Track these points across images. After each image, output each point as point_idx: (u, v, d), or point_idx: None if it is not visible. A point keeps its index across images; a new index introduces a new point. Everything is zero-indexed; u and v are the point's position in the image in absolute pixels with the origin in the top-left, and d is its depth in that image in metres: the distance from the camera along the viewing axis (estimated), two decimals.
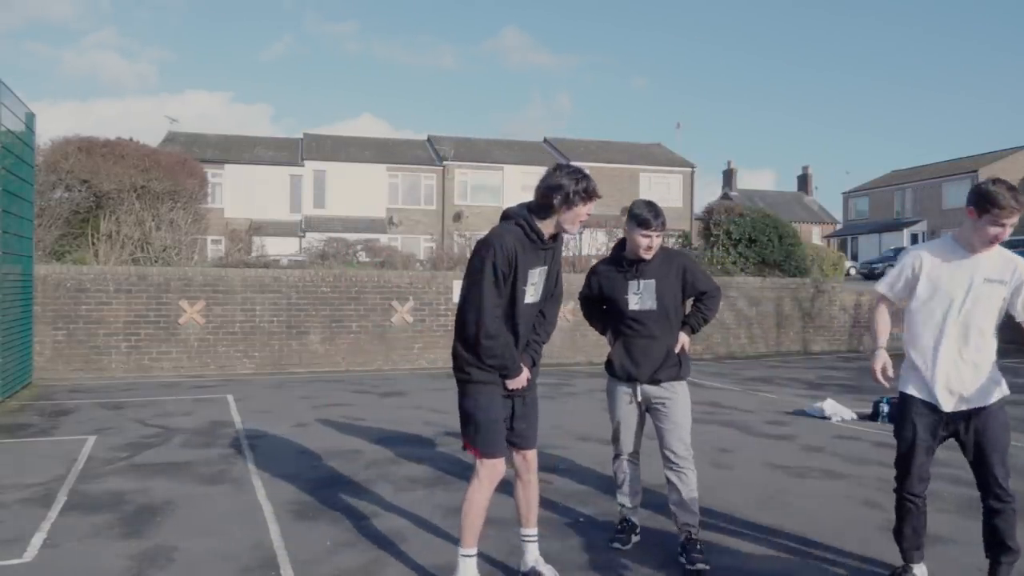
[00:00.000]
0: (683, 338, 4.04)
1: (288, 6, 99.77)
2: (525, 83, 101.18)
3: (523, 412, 3.55)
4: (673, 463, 3.94)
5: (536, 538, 3.70)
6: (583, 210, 3.39)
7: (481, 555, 4.00)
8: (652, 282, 3.97)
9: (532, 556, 3.68)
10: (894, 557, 4.02)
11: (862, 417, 8.13)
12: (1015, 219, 3.23)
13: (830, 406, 8.22)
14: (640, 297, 3.98)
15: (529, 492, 3.65)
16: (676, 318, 4.03)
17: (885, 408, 7.90)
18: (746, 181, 58.84)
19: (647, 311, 3.97)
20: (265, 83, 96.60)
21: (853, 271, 33.72)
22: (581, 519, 4.64)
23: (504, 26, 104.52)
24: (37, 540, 4.18)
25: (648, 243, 3.91)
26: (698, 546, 3.89)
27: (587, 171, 3.51)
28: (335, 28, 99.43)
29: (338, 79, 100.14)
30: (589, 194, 3.40)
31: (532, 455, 3.61)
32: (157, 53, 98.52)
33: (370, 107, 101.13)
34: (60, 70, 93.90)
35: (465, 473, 5.67)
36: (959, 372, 3.33)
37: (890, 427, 7.63)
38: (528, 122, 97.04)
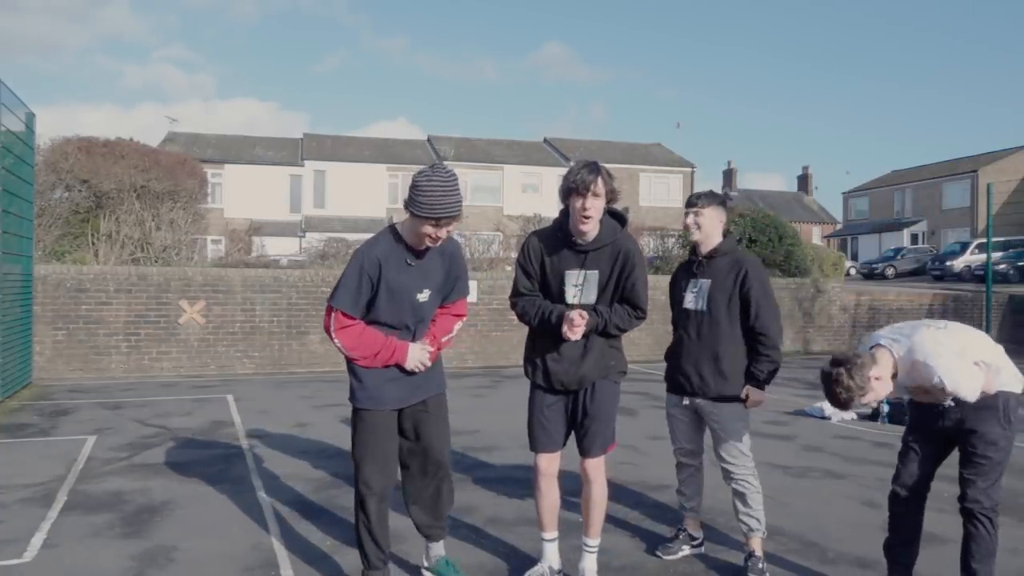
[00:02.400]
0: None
1: (347, 23, 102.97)
2: (539, 86, 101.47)
3: (582, 418, 3.48)
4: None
5: (592, 549, 3.60)
6: (577, 204, 3.34)
7: (484, 553, 4.02)
8: (708, 282, 3.83)
9: (583, 564, 3.61)
10: None
11: (862, 417, 8.13)
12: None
13: (830, 406, 8.20)
14: (695, 296, 3.85)
15: (585, 501, 3.58)
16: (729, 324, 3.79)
17: (885, 408, 7.90)
18: (752, 183, 58.85)
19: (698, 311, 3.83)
20: (310, 92, 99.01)
21: (853, 271, 33.73)
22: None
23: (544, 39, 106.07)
24: (37, 540, 4.18)
25: (690, 220, 3.89)
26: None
27: (597, 164, 3.38)
28: (387, 43, 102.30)
29: (379, 87, 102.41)
30: (575, 186, 3.33)
31: (588, 464, 3.50)
32: (217, 67, 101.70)
33: (406, 112, 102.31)
34: (121, 82, 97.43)
35: (465, 472, 5.67)
36: None
37: (890, 427, 7.64)
38: (529, 123, 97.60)
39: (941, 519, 4.49)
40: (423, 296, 3.42)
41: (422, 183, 3.19)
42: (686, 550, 4.00)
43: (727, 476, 3.86)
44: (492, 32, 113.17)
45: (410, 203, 3.22)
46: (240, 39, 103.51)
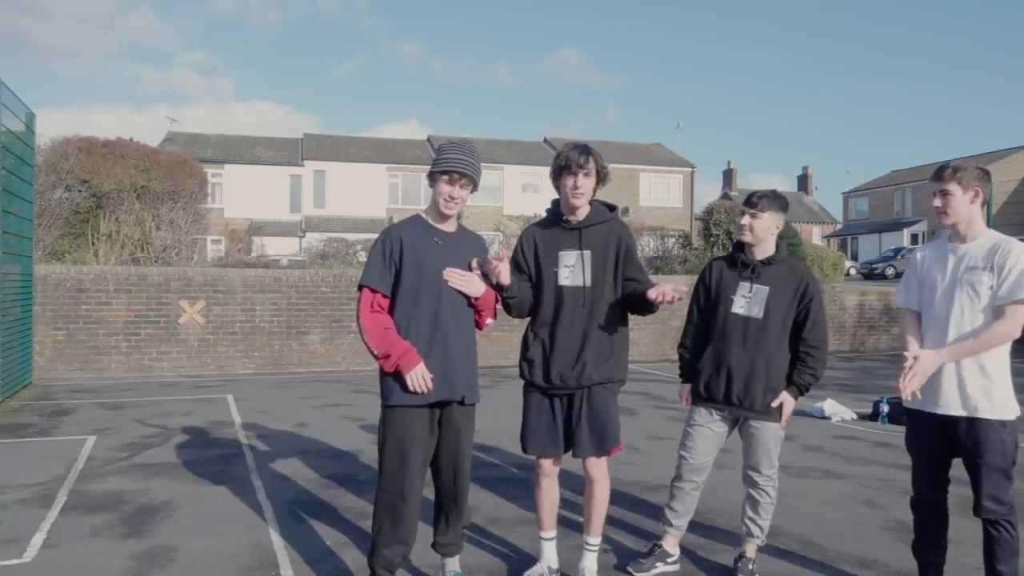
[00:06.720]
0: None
1: (366, 27, 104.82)
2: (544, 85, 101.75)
3: (578, 418, 3.45)
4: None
5: (593, 548, 3.60)
6: (568, 183, 3.40)
7: (484, 553, 4.02)
8: (766, 289, 3.63)
9: (584, 564, 3.61)
10: (894, 557, 4.03)
11: (862, 417, 8.13)
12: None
13: (830, 406, 8.21)
14: (748, 302, 3.65)
15: (587, 500, 3.57)
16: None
17: (885, 408, 7.90)
18: (752, 183, 58.78)
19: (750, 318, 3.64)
20: (326, 95, 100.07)
21: (853, 271, 33.76)
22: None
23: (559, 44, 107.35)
24: (37, 540, 4.18)
25: (738, 222, 3.69)
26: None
27: (587, 145, 3.43)
28: (403, 48, 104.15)
29: (393, 90, 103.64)
30: (566, 164, 3.39)
31: (590, 463, 3.48)
32: (237, 71, 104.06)
33: (418, 114, 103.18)
34: (142, 86, 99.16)
35: None
36: None
37: (890, 427, 7.63)
38: (528, 122, 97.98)
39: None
40: None
41: (443, 146, 3.39)
42: (660, 567, 3.82)
43: (750, 483, 3.77)
44: (506, 38, 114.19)
45: (431, 167, 3.35)
46: (261, 44, 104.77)
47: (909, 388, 3.09)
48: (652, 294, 3.32)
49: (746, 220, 3.65)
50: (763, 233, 3.66)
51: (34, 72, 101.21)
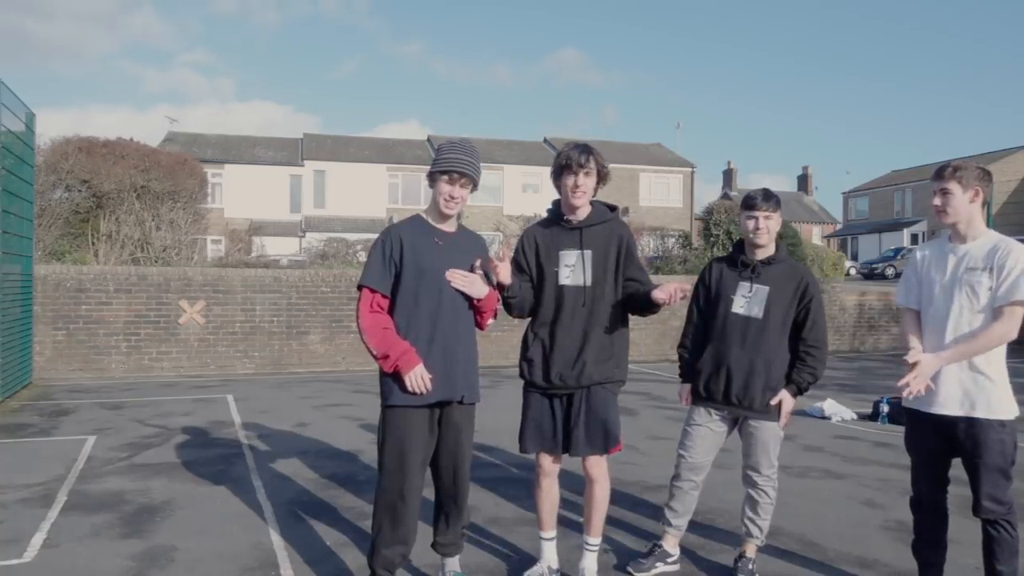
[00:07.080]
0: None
1: (366, 28, 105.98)
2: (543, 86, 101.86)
3: (577, 417, 3.43)
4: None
5: (593, 548, 3.60)
6: (569, 182, 3.41)
7: (484, 553, 4.02)
8: (766, 289, 3.65)
9: (584, 564, 3.60)
10: (894, 557, 4.03)
11: (862, 417, 8.13)
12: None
13: (830, 406, 8.22)
14: (749, 302, 3.66)
15: (587, 500, 3.57)
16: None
17: (885, 408, 7.89)
18: (752, 183, 58.77)
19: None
20: (327, 95, 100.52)
21: (853, 271, 33.76)
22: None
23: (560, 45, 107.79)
24: (37, 540, 4.18)
25: (754, 225, 3.65)
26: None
27: (588, 145, 3.44)
28: (403, 48, 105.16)
29: (393, 91, 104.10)
30: (567, 163, 3.40)
31: (589, 463, 3.48)
32: (238, 71, 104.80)
33: (418, 114, 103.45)
34: (144, 86, 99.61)
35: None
36: None
37: (890, 427, 7.63)
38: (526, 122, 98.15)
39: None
40: None
41: (443, 146, 3.38)
42: (660, 567, 3.82)
43: (749, 483, 3.77)
44: (506, 38, 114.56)
45: (431, 167, 3.34)
46: (262, 44, 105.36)
47: (913, 389, 3.11)
48: (660, 295, 3.31)
49: (763, 224, 3.64)
50: (774, 233, 3.71)
51: (34, 72, 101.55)
